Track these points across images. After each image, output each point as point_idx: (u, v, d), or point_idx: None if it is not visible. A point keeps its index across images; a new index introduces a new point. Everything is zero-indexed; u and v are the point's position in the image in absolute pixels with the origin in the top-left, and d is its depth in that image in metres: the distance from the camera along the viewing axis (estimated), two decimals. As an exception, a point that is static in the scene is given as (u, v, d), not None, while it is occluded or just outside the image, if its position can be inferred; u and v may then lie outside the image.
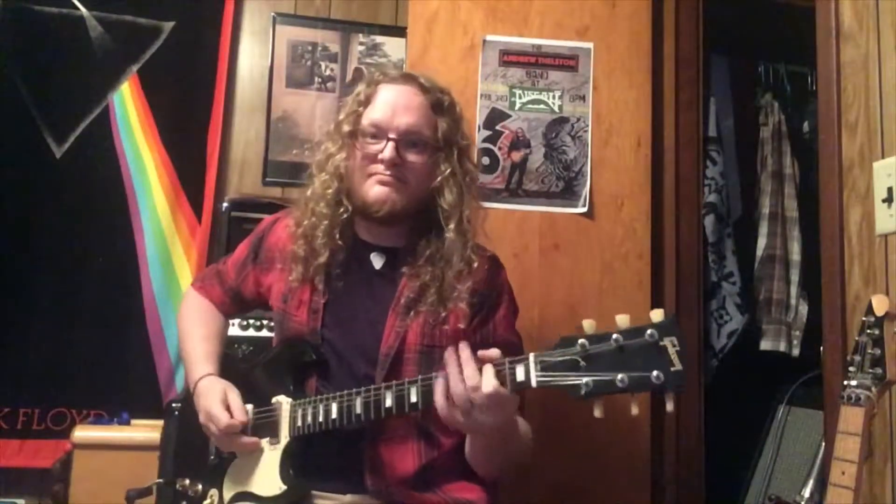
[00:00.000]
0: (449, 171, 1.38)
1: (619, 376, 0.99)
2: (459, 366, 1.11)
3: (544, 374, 1.05)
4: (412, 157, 1.35)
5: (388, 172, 1.34)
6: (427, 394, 1.15)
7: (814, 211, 1.64)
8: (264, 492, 1.30)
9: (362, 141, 1.36)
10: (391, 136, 1.34)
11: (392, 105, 1.36)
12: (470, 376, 1.09)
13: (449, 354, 1.13)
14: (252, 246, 1.53)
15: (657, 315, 1.00)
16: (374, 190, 1.34)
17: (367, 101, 1.38)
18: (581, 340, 1.03)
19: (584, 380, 1.01)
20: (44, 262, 2.42)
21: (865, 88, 1.38)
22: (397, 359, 1.32)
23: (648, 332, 0.99)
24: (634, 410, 1.01)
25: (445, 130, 1.39)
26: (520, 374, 1.07)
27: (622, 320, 1.02)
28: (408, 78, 1.41)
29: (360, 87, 1.42)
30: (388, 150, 1.33)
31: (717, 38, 2.44)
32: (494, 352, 1.12)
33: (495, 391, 1.07)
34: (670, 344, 0.98)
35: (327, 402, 1.25)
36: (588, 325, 1.04)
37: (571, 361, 1.03)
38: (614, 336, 1.01)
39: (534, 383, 1.06)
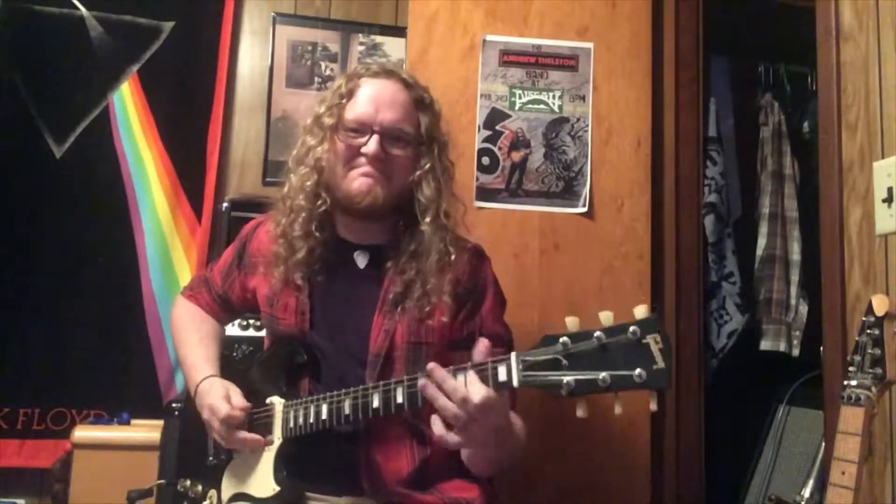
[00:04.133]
0: (429, 165, 1.38)
1: (602, 375, 0.97)
2: (440, 388, 1.09)
3: (526, 373, 1.03)
4: (395, 151, 1.35)
5: (370, 166, 1.33)
6: (413, 395, 1.14)
7: (814, 211, 1.64)
8: (259, 493, 1.30)
9: (344, 134, 1.35)
10: (375, 129, 1.33)
11: (376, 100, 1.35)
12: (453, 390, 1.07)
13: (425, 385, 1.10)
14: (236, 251, 1.53)
15: (640, 312, 0.98)
16: (357, 182, 1.34)
17: (349, 95, 1.37)
18: (563, 339, 1.01)
19: (566, 379, 0.99)
20: (44, 262, 2.42)
21: (865, 88, 1.38)
22: (387, 358, 1.32)
23: (631, 329, 0.97)
24: (618, 410, 0.99)
25: (427, 126, 1.39)
26: (502, 374, 1.06)
27: (605, 318, 1.00)
28: (390, 73, 1.40)
29: (341, 81, 1.40)
30: (372, 144, 1.32)
31: (717, 38, 2.44)
32: (483, 342, 1.11)
33: (486, 398, 1.06)
34: (653, 341, 0.96)
35: (318, 404, 1.25)
36: (571, 322, 1.02)
37: (554, 360, 1.01)
38: (596, 334, 0.99)
39: (516, 383, 1.04)
